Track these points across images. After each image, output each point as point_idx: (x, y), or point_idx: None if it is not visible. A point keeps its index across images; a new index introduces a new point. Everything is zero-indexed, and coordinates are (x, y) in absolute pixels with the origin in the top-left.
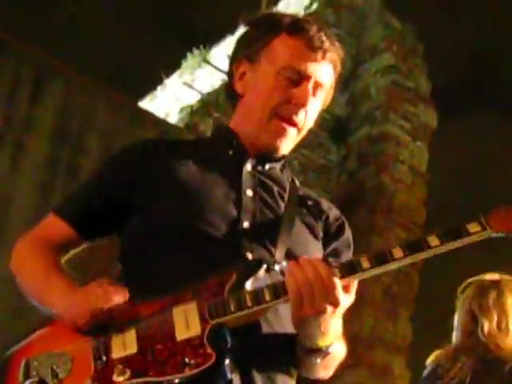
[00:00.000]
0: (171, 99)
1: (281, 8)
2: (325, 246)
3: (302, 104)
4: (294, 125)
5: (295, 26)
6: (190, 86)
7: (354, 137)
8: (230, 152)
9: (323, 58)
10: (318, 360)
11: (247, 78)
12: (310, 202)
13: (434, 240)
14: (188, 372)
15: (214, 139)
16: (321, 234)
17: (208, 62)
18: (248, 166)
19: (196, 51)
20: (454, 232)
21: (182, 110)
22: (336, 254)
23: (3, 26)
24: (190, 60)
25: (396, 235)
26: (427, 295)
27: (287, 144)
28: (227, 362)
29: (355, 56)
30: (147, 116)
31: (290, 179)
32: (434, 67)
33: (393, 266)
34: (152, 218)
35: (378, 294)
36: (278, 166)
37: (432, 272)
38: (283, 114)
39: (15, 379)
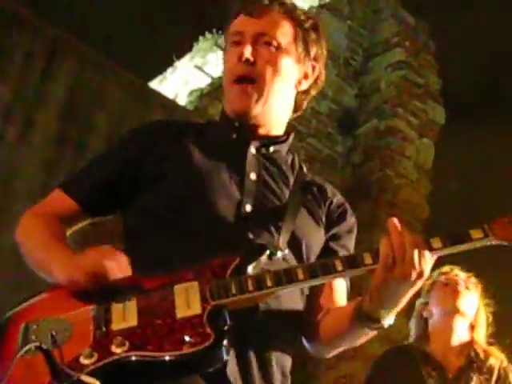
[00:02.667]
0: (181, 82)
1: None
2: (326, 230)
3: (240, 56)
4: (241, 80)
5: (245, 5)
6: (201, 70)
7: (361, 129)
8: (234, 135)
9: (260, 14)
10: (371, 332)
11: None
12: (314, 188)
13: (436, 242)
14: (186, 350)
15: (220, 122)
16: (323, 220)
17: (220, 47)
18: (252, 149)
19: (208, 35)
20: (456, 236)
21: (191, 92)
22: (335, 238)
23: (17, 0)
24: (202, 43)
25: None
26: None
27: (253, 103)
28: (225, 342)
29: (367, 49)
30: (157, 97)
31: (297, 165)
32: (447, 66)
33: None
34: (157, 198)
35: None
36: (283, 148)
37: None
38: (232, 77)
39: (14, 341)
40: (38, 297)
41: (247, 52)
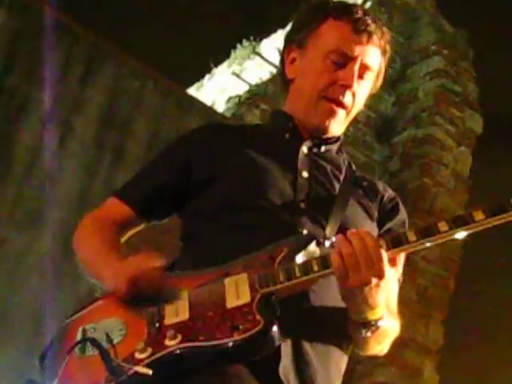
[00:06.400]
0: (218, 89)
1: None
2: (380, 226)
3: (347, 85)
4: (341, 105)
5: (341, 10)
6: (238, 77)
7: (398, 137)
8: (287, 135)
9: (369, 41)
10: (368, 334)
11: (297, 63)
12: (365, 183)
13: (478, 214)
14: (236, 336)
15: (272, 123)
16: (376, 215)
17: (258, 54)
18: (304, 148)
19: (246, 42)
20: (499, 207)
21: (229, 99)
22: (391, 233)
23: (57, 6)
24: (240, 51)
25: None
26: (462, 300)
27: (336, 125)
28: (275, 328)
29: (405, 57)
30: (195, 104)
31: (346, 162)
32: (485, 75)
33: (439, 239)
34: (209, 198)
35: (412, 296)
36: (333, 148)
37: (468, 278)
38: (330, 96)
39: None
40: (95, 303)
41: (356, 86)
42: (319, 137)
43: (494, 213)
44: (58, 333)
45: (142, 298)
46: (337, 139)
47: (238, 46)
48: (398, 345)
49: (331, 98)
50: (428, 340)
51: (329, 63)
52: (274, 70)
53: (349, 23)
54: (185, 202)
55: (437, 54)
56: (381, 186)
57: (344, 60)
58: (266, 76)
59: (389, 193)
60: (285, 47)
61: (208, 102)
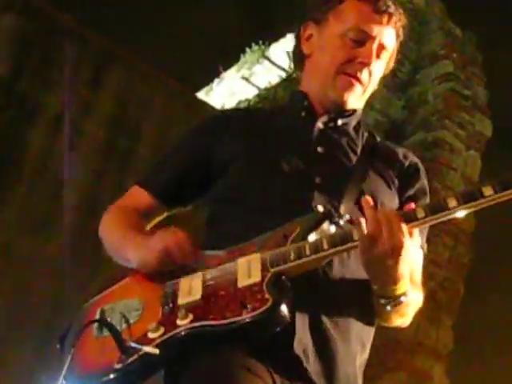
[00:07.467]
0: (227, 93)
1: None
2: (401, 193)
3: (366, 63)
4: (359, 81)
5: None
6: (248, 81)
7: (408, 141)
8: (303, 113)
9: (388, 21)
10: (388, 308)
11: (314, 39)
12: (384, 153)
13: (488, 190)
14: (245, 315)
15: (289, 104)
16: (396, 183)
17: (267, 58)
18: (320, 124)
19: (255, 47)
20: (509, 182)
21: (238, 103)
22: (412, 200)
23: (67, 12)
24: (249, 55)
25: (444, 242)
26: (471, 304)
27: (354, 99)
28: (283, 307)
29: (415, 61)
30: (205, 107)
31: (365, 134)
32: (494, 80)
33: (448, 215)
34: (229, 181)
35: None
36: (351, 121)
37: (477, 282)
38: (348, 71)
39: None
40: (116, 284)
41: (373, 65)
42: (336, 111)
43: (504, 188)
44: (79, 314)
45: (174, 267)
46: (353, 112)
47: (247, 50)
48: (408, 349)
49: (349, 73)
50: (438, 344)
51: (347, 40)
52: (283, 74)
53: (370, 3)
54: (206, 188)
55: (446, 57)
56: (401, 153)
57: (363, 38)
58: (275, 80)
59: (409, 160)
60: (302, 23)
61: (217, 106)
